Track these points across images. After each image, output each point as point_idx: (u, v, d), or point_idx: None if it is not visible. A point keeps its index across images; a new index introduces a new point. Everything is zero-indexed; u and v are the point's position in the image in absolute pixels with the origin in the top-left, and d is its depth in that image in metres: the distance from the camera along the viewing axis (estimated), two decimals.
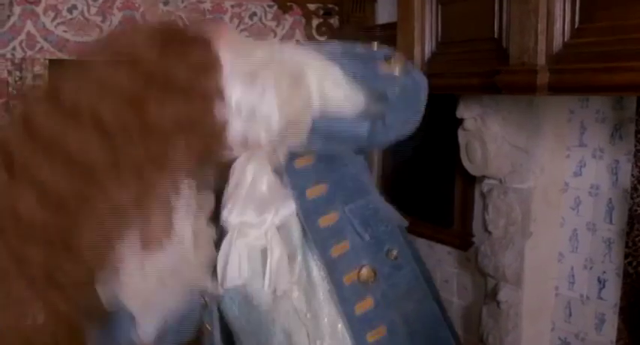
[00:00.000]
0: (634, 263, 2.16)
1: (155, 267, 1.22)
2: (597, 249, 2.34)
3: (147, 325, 1.30)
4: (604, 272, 2.32)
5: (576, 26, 1.81)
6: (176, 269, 1.28)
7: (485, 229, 2.59)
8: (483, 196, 2.61)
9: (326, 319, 1.42)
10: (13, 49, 2.77)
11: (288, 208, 1.38)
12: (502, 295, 2.53)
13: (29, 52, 2.79)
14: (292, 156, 1.37)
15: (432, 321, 1.53)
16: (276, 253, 1.36)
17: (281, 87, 1.16)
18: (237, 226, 1.34)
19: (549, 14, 1.84)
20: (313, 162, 1.41)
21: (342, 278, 1.41)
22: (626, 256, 2.19)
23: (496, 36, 2.04)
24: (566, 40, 1.83)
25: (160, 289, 1.27)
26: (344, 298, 1.41)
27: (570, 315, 2.45)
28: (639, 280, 2.15)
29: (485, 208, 2.59)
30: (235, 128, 1.14)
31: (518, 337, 2.51)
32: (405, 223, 1.56)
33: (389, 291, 1.47)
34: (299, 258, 1.41)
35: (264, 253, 1.36)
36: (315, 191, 1.42)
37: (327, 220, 1.42)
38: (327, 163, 1.44)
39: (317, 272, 1.41)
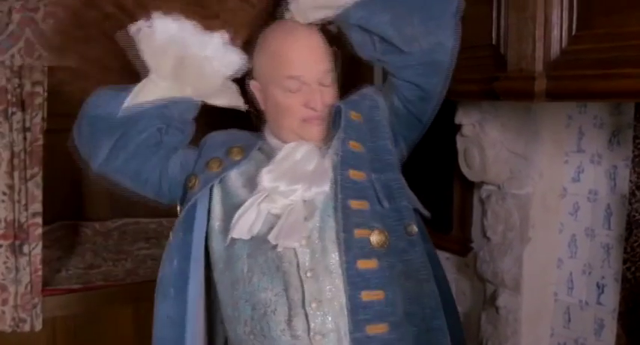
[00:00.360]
0: (632, 269, 2.17)
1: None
2: (596, 254, 2.34)
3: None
4: (603, 278, 2.32)
5: (574, 33, 1.81)
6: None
7: (484, 235, 2.59)
8: (482, 201, 2.62)
9: (325, 275, 1.49)
10: (12, 56, 2.77)
11: (321, 188, 1.51)
12: (501, 301, 2.53)
13: (28, 60, 2.79)
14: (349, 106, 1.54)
15: (430, 307, 1.56)
16: (293, 216, 1.48)
17: None
18: (268, 191, 1.48)
19: (547, 21, 1.85)
20: (362, 121, 1.56)
21: (354, 230, 1.49)
22: (624, 262, 2.19)
23: (494, 42, 2.04)
24: (563, 46, 1.84)
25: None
26: (349, 246, 1.48)
27: (569, 320, 2.45)
28: (638, 286, 2.15)
29: (483, 213, 2.59)
30: None
31: (517, 343, 2.51)
32: (427, 214, 1.65)
33: (398, 264, 1.54)
34: (316, 216, 1.51)
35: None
36: (355, 145, 1.53)
37: (355, 175, 1.52)
38: (372, 129, 1.58)
39: (331, 225, 1.50)
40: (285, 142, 1.59)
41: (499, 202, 2.51)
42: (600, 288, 2.33)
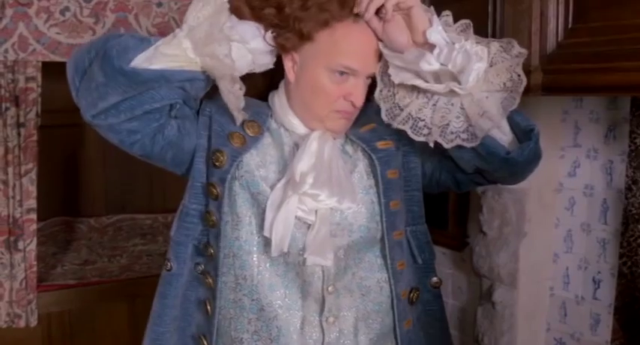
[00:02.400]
0: (628, 263, 2.17)
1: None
2: (592, 249, 2.34)
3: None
4: (599, 272, 2.32)
5: (570, 26, 1.81)
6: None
7: (480, 230, 2.59)
8: (478, 196, 2.61)
9: (346, 293, 1.53)
10: (6, 51, 2.75)
11: (353, 203, 1.50)
12: (497, 296, 2.53)
13: (22, 55, 2.77)
14: (385, 162, 1.53)
15: None
16: (323, 230, 1.46)
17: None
18: (303, 193, 1.43)
19: (542, 15, 1.84)
20: (398, 176, 1.56)
21: (400, 292, 1.57)
22: (620, 257, 2.19)
23: (490, 36, 2.04)
24: (559, 40, 1.83)
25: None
26: (400, 311, 1.57)
27: (565, 315, 2.45)
28: (634, 280, 2.15)
29: (479, 208, 2.59)
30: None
31: (513, 338, 2.51)
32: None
33: (422, 315, 1.64)
34: (345, 235, 1.52)
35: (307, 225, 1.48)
36: (395, 205, 1.55)
37: (397, 236, 1.56)
38: (405, 182, 1.58)
39: (359, 245, 1.53)
40: (302, 121, 1.53)
41: (495, 197, 2.51)
42: (596, 283, 2.33)
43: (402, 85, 1.43)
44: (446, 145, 1.41)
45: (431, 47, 1.37)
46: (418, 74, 1.40)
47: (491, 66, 1.38)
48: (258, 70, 1.48)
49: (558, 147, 2.43)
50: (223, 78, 1.39)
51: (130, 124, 1.39)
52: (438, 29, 1.38)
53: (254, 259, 1.50)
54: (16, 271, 2.98)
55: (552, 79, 1.83)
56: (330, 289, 1.50)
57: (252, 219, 1.50)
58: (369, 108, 1.53)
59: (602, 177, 2.29)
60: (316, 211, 1.46)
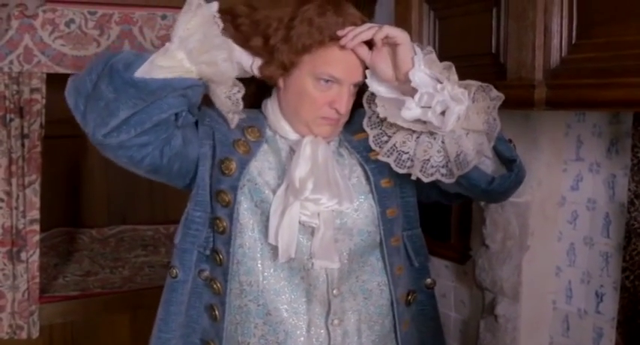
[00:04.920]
0: (631, 277, 2.16)
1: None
2: (595, 263, 2.34)
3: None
4: (601, 286, 2.32)
5: (573, 42, 1.82)
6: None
7: (483, 243, 2.59)
8: (481, 209, 2.61)
9: (349, 296, 1.57)
10: (11, 62, 2.76)
11: (351, 204, 1.53)
12: (500, 309, 2.53)
13: (27, 66, 2.78)
14: (379, 172, 1.56)
15: None
16: (328, 234, 1.50)
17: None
18: (304, 198, 1.46)
19: (547, 30, 1.85)
20: (392, 184, 1.59)
21: (399, 296, 1.62)
22: (623, 270, 2.19)
23: (494, 51, 2.05)
24: (563, 55, 1.85)
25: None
26: (399, 314, 1.61)
27: (568, 329, 2.45)
28: (637, 294, 2.15)
29: (482, 221, 2.59)
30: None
31: None
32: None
33: (417, 315, 1.69)
34: (346, 239, 1.55)
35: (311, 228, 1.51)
36: (392, 212, 1.59)
37: (395, 242, 1.61)
38: (401, 186, 1.62)
39: (361, 249, 1.57)
40: (292, 127, 1.57)
41: (498, 210, 2.51)
42: (599, 297, 2.33)
43: None
44: (425, 180, 1.46)
45: (413, 89, 1.41)
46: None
47: (473, 102, 1.42)
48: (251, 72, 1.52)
49: (561, 161, 2.43)
50: (223, 82, 1.42)
51: (141, 139, 1.40)
52: (421, 69, 1.41)
53: (259, 265, 1.53)
54: (19, 282, 2.97)
55: (556, 94, 1.84)
56: (335, 292, 1.53)
57: (254, 226, 1.53)
58: (363, 116, 1.55)
59: (605, 191, 2.29)
60: (319, 214, 1.50)
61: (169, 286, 1.60)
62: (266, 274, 1.53)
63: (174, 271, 1.58)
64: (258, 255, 1.53)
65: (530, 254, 2.46)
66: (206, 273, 1.57)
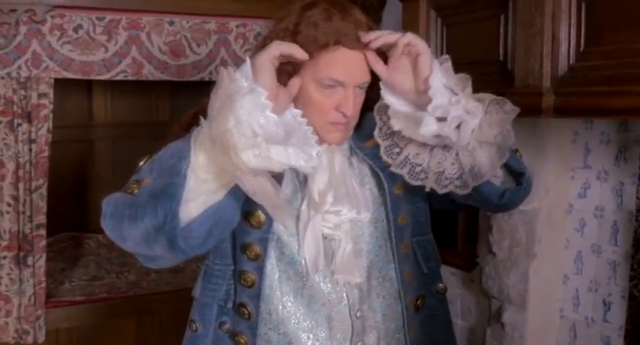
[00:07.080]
0: (639, 286, 2.15)
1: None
2: (602, 271, 2.33)
3: None
4: (609, 295, 2.31)
5: (582, 49, 1.82)
6: None
7: (490, 251, 2.58)
8: (488, 217, 2.61)
9: (369, 314, 1.55)
10: (19, 67, 2.77)
11: (368, 213, 1.52)
12: (506, 317, 2.52)
13: (34, 71, 2.79)
14: (392, 179, 1.53)
15: None
16: (349, 248, 1.49)
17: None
18: (326, 210, 1.45)
19: (554, 37, 1.85)
20: (403, 191, 1.57)
21: (409, 301, 1.60)
22: (631, 279, 2.18)
23: (501, 58, 2.05)
24: (571, 63, 1.84)
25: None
26: (409, 320, 1.59)
27: (575, 337, 2.44)
28: None
29: (489, 229, 2.58)
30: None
31: None
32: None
33: (427, 319, 1.66)
34: (364, 256, 1.54)
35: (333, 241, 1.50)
36: (403, 219, 1.58)
37: (404, 248, 1.59)
38: (411, 195, 1.59)
39: (377, 265, 1.56)
40: None
41: (505, 217, 2.51)
42: (607, 305, 2.31)
43: None
44: (439, 191, 1.43)
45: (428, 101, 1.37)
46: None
47: (485, 114, 1.39)
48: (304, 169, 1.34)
49: (568, 168, 2.43)
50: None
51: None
52: (438, 76, 1.38)
53: (277, 293, 1.50)
54: (25, 287, 2.98)
55: (564, 101, 1.84)
56: (358, 314, 1.52)
57: (271, 253, 1.50)
58: (372, 120, 1.52)
59: (613, 199, 2.28)
60: (340, 226, 1.49)
61: (189, 340, 1.58)
62: (284, 300, 1.50)
63: (194, 325, 1.56)
64: (276, 283, 1.50)
65: (538, 262, 2.45)
66: (227, 325, 1.54)
